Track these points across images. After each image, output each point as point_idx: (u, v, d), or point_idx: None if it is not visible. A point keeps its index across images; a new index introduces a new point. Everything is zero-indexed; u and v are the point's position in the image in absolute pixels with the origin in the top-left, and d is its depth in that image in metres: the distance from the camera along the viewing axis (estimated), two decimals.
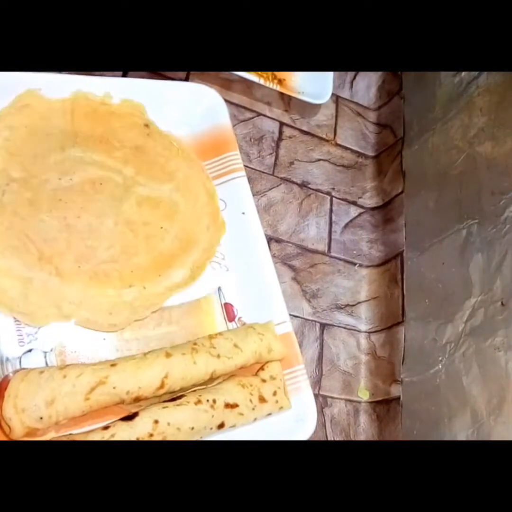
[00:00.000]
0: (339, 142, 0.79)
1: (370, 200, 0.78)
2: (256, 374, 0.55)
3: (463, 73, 0.66)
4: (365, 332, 0.71)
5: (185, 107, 0.61)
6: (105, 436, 0.45)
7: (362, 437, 0.66)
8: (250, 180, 0.64)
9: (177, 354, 0.50)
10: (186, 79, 0.68)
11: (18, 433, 0.44)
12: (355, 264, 0.74)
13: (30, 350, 0.49)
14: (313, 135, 0.77)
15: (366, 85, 0.84)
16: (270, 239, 0.68)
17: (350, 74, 0.83)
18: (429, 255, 0.64)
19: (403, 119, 0.75)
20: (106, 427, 0.46)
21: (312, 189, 0.74)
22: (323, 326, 0.69)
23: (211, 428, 0.50)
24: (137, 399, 0.48)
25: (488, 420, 0.51)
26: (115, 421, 0.47)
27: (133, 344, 0.53)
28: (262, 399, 0.53)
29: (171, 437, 0.47)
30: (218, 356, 0.52)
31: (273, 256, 0.64)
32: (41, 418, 0.45)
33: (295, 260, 0.70)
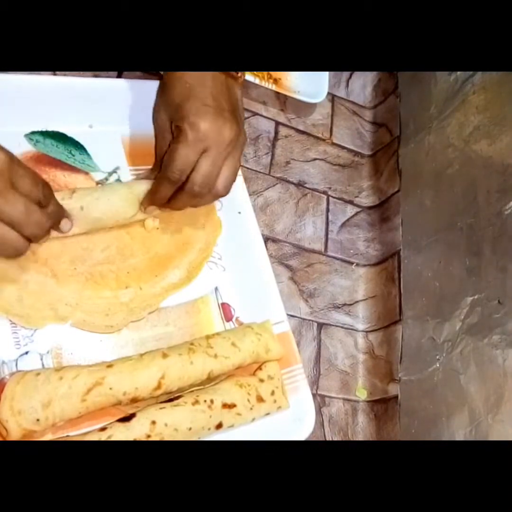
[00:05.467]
0: (335, 141, 0.79)
1: (366, 199, 0.78)
2: (254, 374, 0.55)
3: (459, 72, 0.66)
4: (363, 331, 0.71)
5: None
6: (102, 437, 0.45)
7: (360, 436, 0.66)
8: (246, 180, 0.64)
9: (174, 355, 0.50)
10: None
11: (15, 435, 0.44)
12: (352, 263, 0.74)
13: (26, 353, 0.49)
14: (309, 135, 0.77)
15: (362, 84, 0.84)
16: (266, 239, 0.68)
17: (346, 73, 0.83)
18: (425, 254, 0.64)
19: (399, 117, 0.75)
20: (103, 429, 0.46)
21: (309, 189, 0.74)
22: (320, 325, 0.69)
23: (209, 429, 0.50)
24: (134, 400, 0.48)
25: (486, 419, 0.51)
26: (112, 422, 0.47)
27: (130, 345, 0.53)
28: (260, 399, 0.53)
29: (168, 438, 0.47)
30: (215, 356, 0.52)
31: (270, 256, 0.64)
32: (37, 420, 0.45)
33: (292, 260, 0.70)
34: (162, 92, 0.54)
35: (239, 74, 0.54)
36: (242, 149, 0.54)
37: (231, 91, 0.53)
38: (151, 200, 0.54)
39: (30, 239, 0.46)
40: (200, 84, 0.51)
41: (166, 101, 0.53)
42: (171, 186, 0.52)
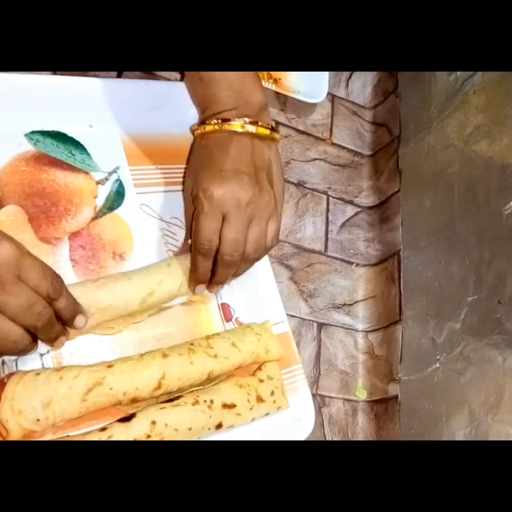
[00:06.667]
0: (335, 141, 0.79)
1: (366, 199, 0.78)
2: (253, 374, 0.55)
3: (459, 72, 0.66)
4: (363, 331, 0.71)
5: (181, 107, 0.61)
6: (102, 437, 0.45)
7: (360, 436, 0.66)
8: None
9: (174, 355, 0.50)
10: (181, 79, 0.67)
11: (15, 435, 0.44)
12: (352, 263, 0.74)
13: None
14: (309, 135, 0.77)
15: (362, 84, 0.84)
16: None
17: (346, 73, 0.83)
18: (425, 254, 0.64)
19: (399, 117, 0.75)
20: (103, 429, 0.46)
21: (309, 189, 0.74)
22: (320, 325, 0.69)
23: (209, 429, 0.50)
24: (134, 400, 0.48)
25: (485, 419, 0.51)
26: (112, 422, 0.47)
27: (130, 345, 0.52)
28: (260, 399, 0.53)
29: (168, 438, 0.47)
30: (215, 356, 0.52)
31: (270, 256, 0.64)
32: (38, 420, 0.44)
33: (292, 260, 0.70)
34: (188, 159, 0.55)
35: (266, 133, 0.53)
36: (272, 209, 0.52)
37: (256, 151, 0.52)
38: (194, 278, 0.53)
39: (34, 335, 0.44)
40: (219, 149, 0.51)
41: (190, 169, 0.53)
42: (204, 258, 0.51)
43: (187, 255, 0.54)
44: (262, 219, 0.51)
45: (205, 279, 0.53)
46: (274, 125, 0.54)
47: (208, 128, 0.52)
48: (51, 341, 0.47)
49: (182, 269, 0.53)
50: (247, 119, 0.52)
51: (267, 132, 0.53)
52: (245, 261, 0.52)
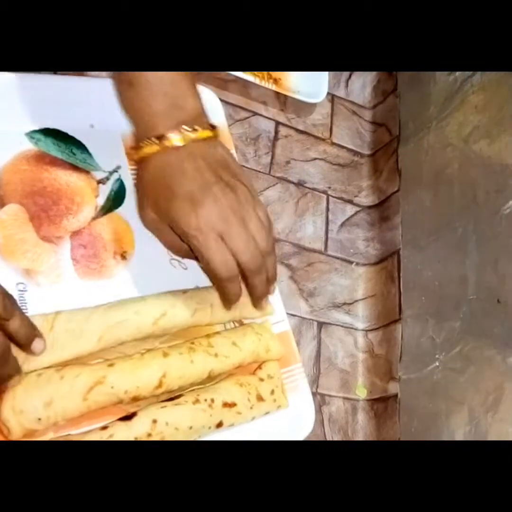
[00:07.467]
0: (335, 141, 0.79)
1: (366, 198, 0.78)
2: (254, 373, 0.55)
3: (458, 72, 0.66)
4: (362, 330, 0.71)
5: None
6: (103, 436, 0.45)
7: (360, 435, 0.66)
8: None
9: (175, 354, 0.50)
10: None
11: (17, 435, 0.44)
12: (351, 262, 0.74)
13: None
14: (309, 134, 0.77)
15: (362, 84, 0.84)
16: None
17: (346, 73, 0.83)
18: (425, 253, 0.65)
19: (399, 117, 0.75)
20: (104, 427, 0.46)
21: (308, 188, 0.75)
22: (320, 324, 0.69)
23: (210, 427, 0.50)
24: (135, 399, 0.48)
25: (485, 417, 0.52)
26: (113, 421, 0.47)
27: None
28: (260, 398, 0.53)
29: (169, 437, 0.47)
30: (216, 355, 0.52)
31: None
32: (39, 419, 0.44)
33: (292, 259, 0.70)
34: (142, 191, 0.51)
35: (209, 135, 0.49)
36: (251, 198, 0.49)
37: (208, 155, 0.48)
38: (228, 303, 0.52)
39: None
40: (173, 172, 0.47)
41: (150, 202, 0.50)
42: (230, 281, 0.48)
43: (205, 286, 0.53)
44: (250, 212, 0.48)
45: (238, 300, 0.52)
46: (212, 123, 0.50)
47: (146, 150, 0.48)
48: (3, 381, 0.42)
49: (199, 297, 0.53)
50: (184, 128, 0.47)
51: (210, 134, 0.49)
52: (268, 257, 0.50)
